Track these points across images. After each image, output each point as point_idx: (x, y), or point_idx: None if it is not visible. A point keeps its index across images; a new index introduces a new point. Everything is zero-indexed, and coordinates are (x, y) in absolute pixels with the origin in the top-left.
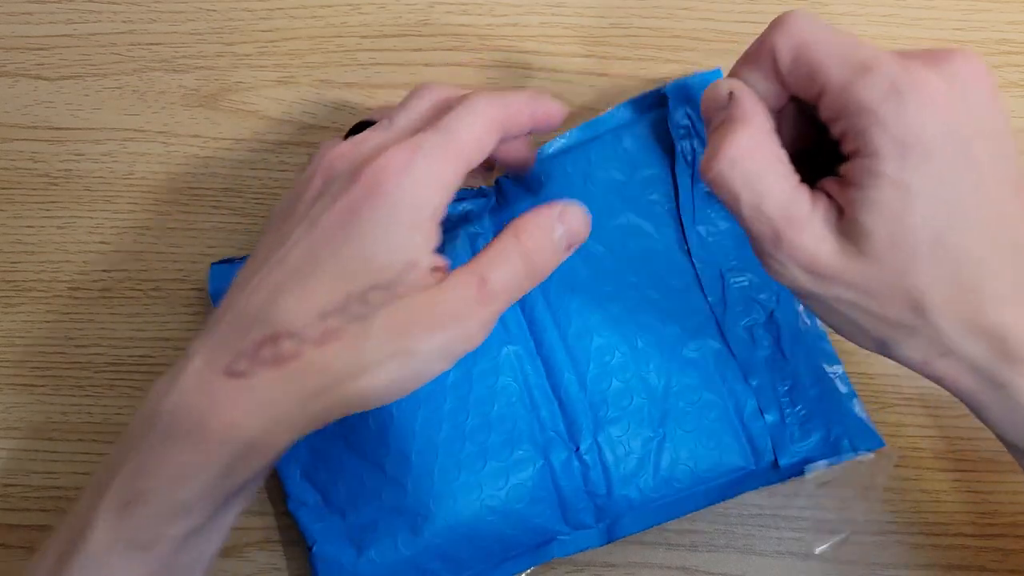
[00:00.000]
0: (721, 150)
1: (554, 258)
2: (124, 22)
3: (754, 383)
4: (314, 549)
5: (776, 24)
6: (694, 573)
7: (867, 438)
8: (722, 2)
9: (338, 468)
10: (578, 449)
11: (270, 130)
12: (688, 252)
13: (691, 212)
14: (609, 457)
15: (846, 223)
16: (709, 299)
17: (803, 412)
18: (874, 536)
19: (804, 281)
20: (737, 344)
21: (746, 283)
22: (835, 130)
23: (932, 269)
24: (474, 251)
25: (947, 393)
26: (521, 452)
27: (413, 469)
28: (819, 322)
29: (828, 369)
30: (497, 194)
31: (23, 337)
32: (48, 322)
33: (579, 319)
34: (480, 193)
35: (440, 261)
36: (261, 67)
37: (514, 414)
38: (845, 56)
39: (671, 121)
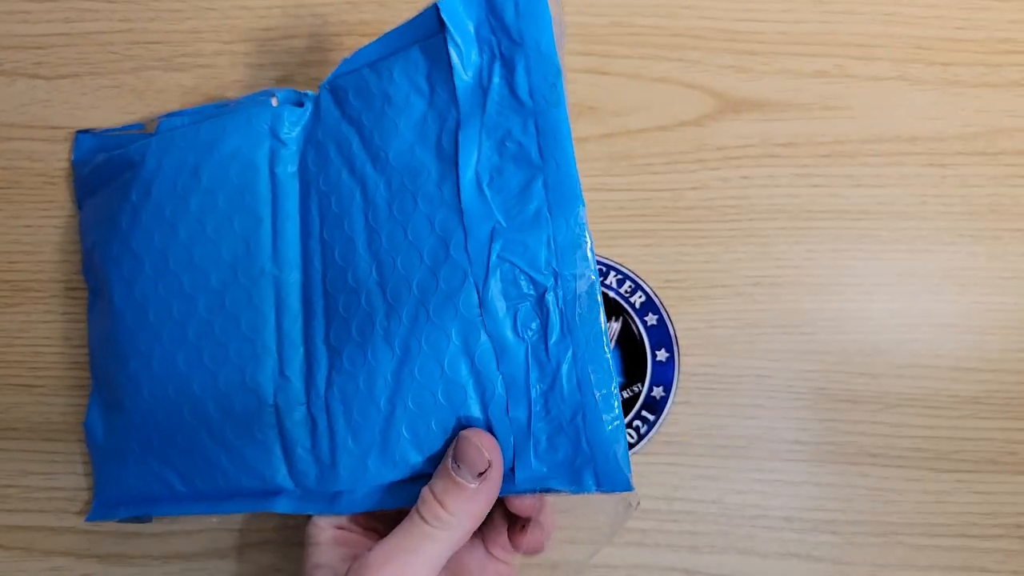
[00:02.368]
0: None
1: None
2: (122, 20)
3: (504, 371)
4: (85, 422)
5: None
6: (696, 575)
7: (614, 478)
8: (723, 0)
9: (104, 353)
10: (308, 402)
11: None
12: (460, 203)
13: (474, 153)
14: (336, 424)
15: None
16: (472, 262)
17: (555, 423)
18: (876, 537)
19: None
20: (493, 321)
21: (519, 250)
22: None
23: None
24: (272, 169)
25: (949, 394)
26: (251, 384)
27: (151, 373)
28: (602, 319)
29: (595, 380)
30: (315, 105)
31: (21, 337)
32: (46, 322)
33: (342, 262)
34: (298, 101)
35: None
36: (260, 66)
37: (256, 349)
38: None
39: (454, 38)
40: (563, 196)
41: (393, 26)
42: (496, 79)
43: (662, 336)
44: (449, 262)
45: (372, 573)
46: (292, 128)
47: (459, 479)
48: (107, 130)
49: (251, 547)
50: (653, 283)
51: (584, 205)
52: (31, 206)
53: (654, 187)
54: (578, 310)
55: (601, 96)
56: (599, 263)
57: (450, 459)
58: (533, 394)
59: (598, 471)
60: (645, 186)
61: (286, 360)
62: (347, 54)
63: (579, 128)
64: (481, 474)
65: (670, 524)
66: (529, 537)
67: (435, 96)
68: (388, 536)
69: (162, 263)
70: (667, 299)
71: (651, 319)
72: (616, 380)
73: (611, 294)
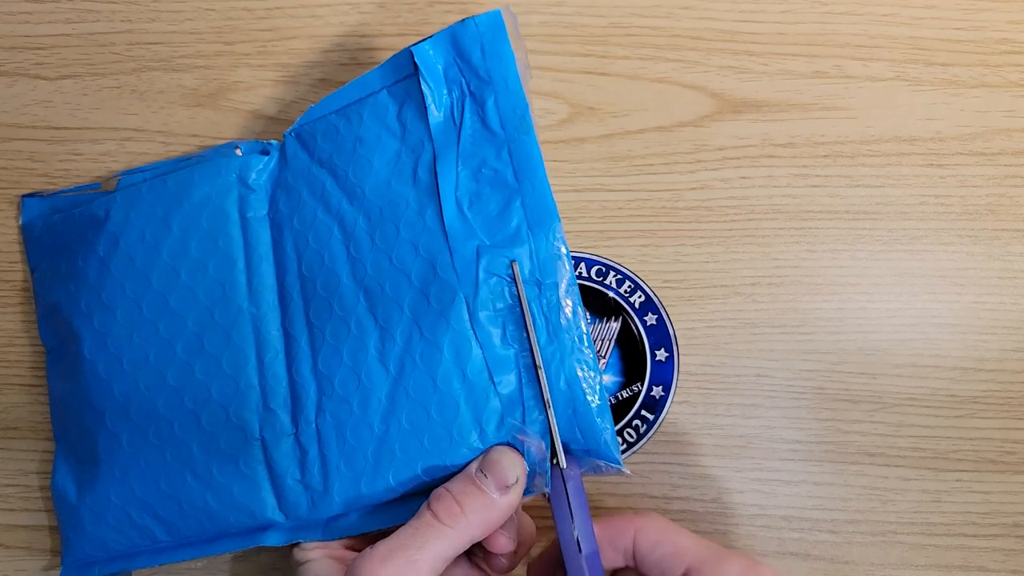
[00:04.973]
0: None
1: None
2: (123, 21)
3: (497, 379)
4: (52, 485)
5: (641, 513)
6: None
7: (607, 462)
8: (722, 1)
9: (73, 409)
10: (296, 432)
11: (269, 129)
12: (443, 227)
13: (453, 181)
14: (327, 449)
15: None
16: (460, 279)
17: (546, 421)
18: (875, 536)
19: None
20: (484, 333)
21: (504, 265)
22: None
23: None
24: (242, 214)
25: (948, 393)
26: (236, 421)
27: (130, 423)
28: (582, 322)
29: (582, 375)
30: (280, 153)
31: (21, 337)
32: None
33: (324, 294)
34: (263, 150)
35: None
36: (260, 66)
37: (239, 386)
38: (705, 544)
39: (426, 79)
40: (540, 214)
41: (390, 27)
42: (467, 114)
43: (661, 336)
44: (438, 281)
45: (374, 567)
46: (260, 175)
47: (483, 486)
48: (58, 192)
49: None
50: (652, 283)
51: (560, 221)
52: None
53: (653, 187)
54: (562, 315)
55: (600, 97)
56: (599, 263)
57: (475, 466)
58: (525, 395)
59: (591, 456)
60: (644, 186)
61: (270, 394)
62: (347, 55)
63: (578, 128)
64: (507, 487)
65: None
66: (500, 563)
67: (407, 134)
68: (392, 535)
69: (135, 312)
70: (666, 299)
71: (650, 319)
72: (599, 372)
73: (610, 294)
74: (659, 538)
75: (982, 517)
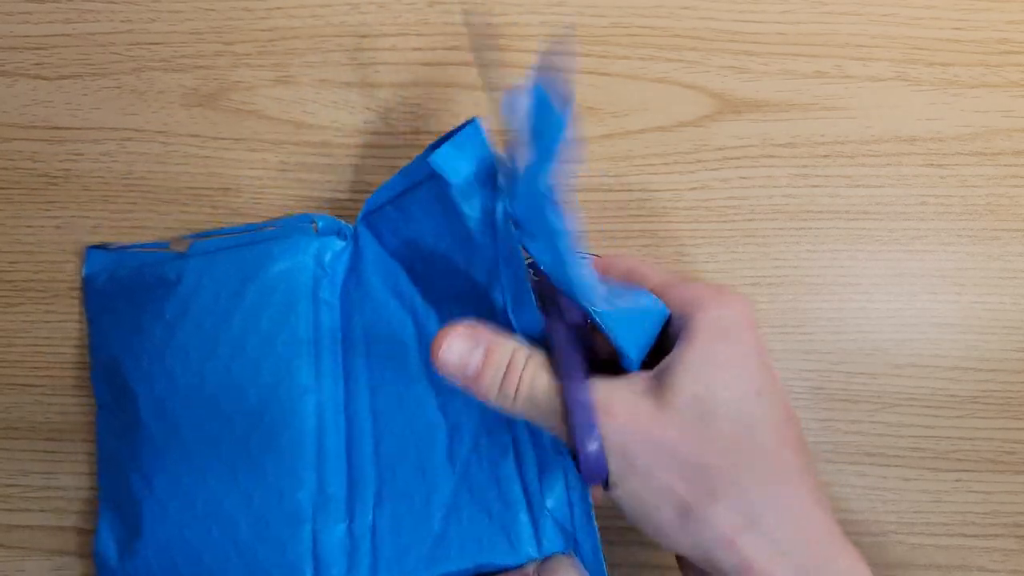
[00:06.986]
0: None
1: None
2: (123, 21)
3: (547, 484)
4: (94, 545)
5: (615, 255)
6: None
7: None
8: (722, 1)
9: (122, 470)
10: (351, 522)
11: (269, 130)
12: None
13: (497, 282)
14: (381, 543)
15: (657, 384)
16: None
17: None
18: (875, 536)
19: (618, 440)
20: (538, 438)
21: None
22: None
23: (729, 427)
24: (315, 294)
25: (948, 393)
26: (289, 503)
27: (180, 493)
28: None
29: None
30: (353, 240)
31: (22, 337)
32: (47, 322)
33: (393, 386)
34: (338, 231)
35: None
36: (260, 66)
37: (296, 467)
38: (671, 273)
39: (454, 189)
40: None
41: (390, 27)
42: (500, 212)
43: None
44: None
45: None
46: (334, 259)
47: None
48: (124, 246)
49: None
50: None
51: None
52: (32, 206)
53: (653, 187)
54: None
55: (600, 97)
56: None
57: (533, 570)
58: (573, 497)
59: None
60: (645, 186)
61: (327, 479)
62: (347, 56)
63: (578, 128)
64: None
65: None
66: None
67: (455, 231)
68: None
69: (198, 381)
70: None
71: None
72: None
73: None
74: (626, 272)
75: (982, 517)
